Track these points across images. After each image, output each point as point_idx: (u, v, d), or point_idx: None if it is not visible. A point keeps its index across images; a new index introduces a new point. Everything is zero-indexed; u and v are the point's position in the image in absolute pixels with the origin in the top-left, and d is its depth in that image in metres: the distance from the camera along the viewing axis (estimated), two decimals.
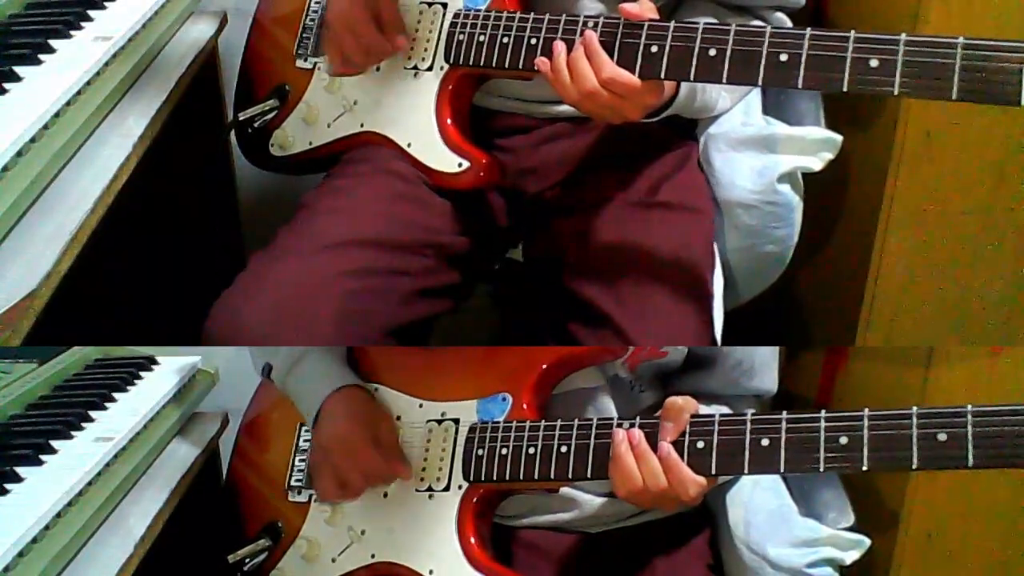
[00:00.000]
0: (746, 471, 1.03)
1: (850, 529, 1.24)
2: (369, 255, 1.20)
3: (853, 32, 1.01)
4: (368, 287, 1.19)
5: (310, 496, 1.27)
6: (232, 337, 1.16)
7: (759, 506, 1.23)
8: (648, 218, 1.25)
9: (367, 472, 1.18)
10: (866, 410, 0.98)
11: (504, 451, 1.14)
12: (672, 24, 1.09)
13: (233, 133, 1.44)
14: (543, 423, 1.12)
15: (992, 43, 0.95)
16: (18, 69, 1.21)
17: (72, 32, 1.30)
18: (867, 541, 1.24)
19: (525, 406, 1.16)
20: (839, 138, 1.27)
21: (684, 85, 1.21)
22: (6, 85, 1.18)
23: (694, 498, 1.05)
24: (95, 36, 1.30)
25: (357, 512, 1.22)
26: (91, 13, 1.34)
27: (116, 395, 1.40)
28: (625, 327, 1.19)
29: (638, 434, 1.05)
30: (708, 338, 1.22)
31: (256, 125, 1.39)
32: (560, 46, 1.13)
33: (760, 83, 1.05)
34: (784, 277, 1.36)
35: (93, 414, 1.33)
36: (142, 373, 1.50)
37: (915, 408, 0.96)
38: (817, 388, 1.53)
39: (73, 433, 1.27)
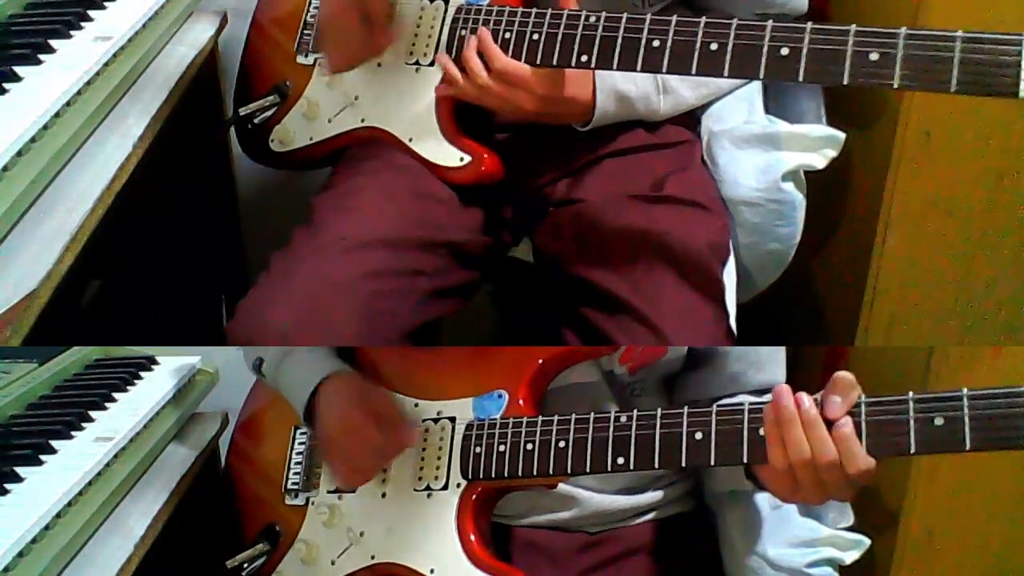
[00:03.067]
0: (744, 460, 1.03)
1: (850, 529, 1.24)
2: (387, 256, 1.21)
3: (854, 26, 1.01)
4: (388, 288, 1.20)
5: (307, 499, 1.27)
6: (257, 338, 1.16)
7: (759, 506, 1.23)
8: (654, 211, 1.25)
9: (378, 450, 1.18)
10: (863, 396, 0.98)
11: (502, 448, 1.13)
12: (674, 19, 1.09)
13: (233, 129, 1.44)
14: (540, 419, 1.12)
15: (991, 36, 0.96)
16: (18, 69, 1.21)
17: (72, 32, 1.30)
18: (867, 541, 1.24)
19: (521, 402, 1.15)
20: (842, 136, 1.27)
21: (607, 97, 1.23)
22: (6, 85, 1.18)
23: (861, 473, 0.97)
24: (95, 36, 1.30)
25: (356, 513, 1.22)
26: (91, 13, 1.34)
27: (116, 395, 1.40)
28: (642, 309, 1.18)
29: (807, 399, 0.99)
30: (724, 327, 1.22)
31: (256, 121, 1.40)
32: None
33: (761, 76, 1.05)
34: (787, 277, 1.36)
35: (93, 414, 1.33)
36: (142, 373, 1.50)
37: (911, 393, 0.96)
38: (818, 389, 1.53)
39: (73, 433, 1.27)
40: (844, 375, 0.99)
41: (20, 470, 1.15)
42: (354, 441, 1.18)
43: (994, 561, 1.42)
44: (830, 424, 0.98)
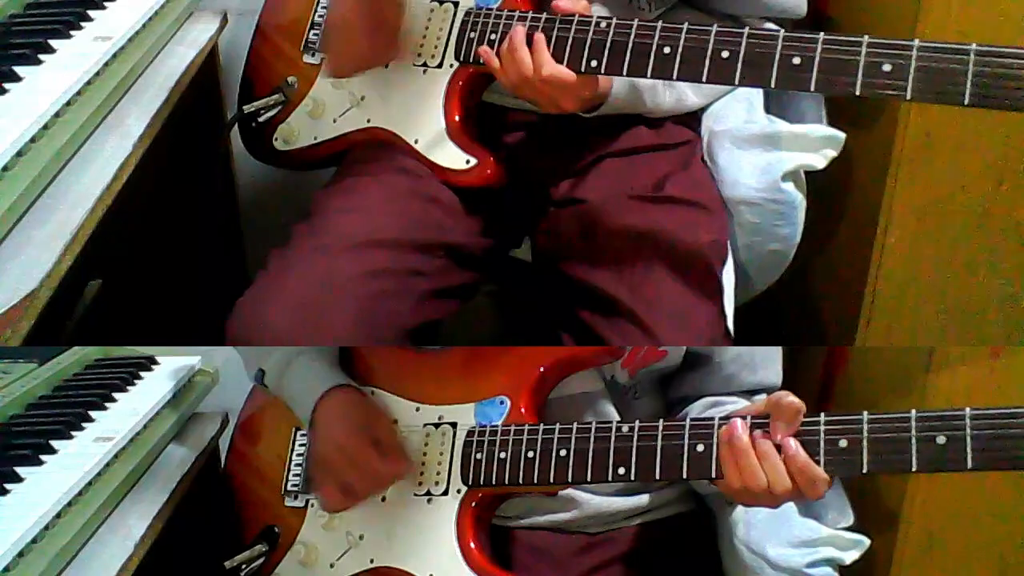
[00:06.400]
0: None
1: (850, 529, 1.24)
2: (387, 256, 1.21)
3: (866, 37, 1.00)
4: (387, 288, 1.19)
5: (307, 501, 1.27)
6: (255, 337, 1.16)
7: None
8: (654, 211, 1.25)
9: (370, 477, 1.17)
10: (865, 413, 0.98)
11: (503, 455, 1.13)
12: (685, 25, 1.09)
13: (237, 127, 1.44)
14: (542, 427, 1.12)
15: (1004, 50, 0.95)
16: (18, 69, 1.21)
17: (72, 32, 1.30)
18: (867, 541, 1.24)
19: (523, 409, 1.15)
20: (842, 136, 1.27)
21: (621, 84, 1.22)
22: (6, 85, 1.18)
23: (821, 495, 1.00)
24: (95, 36, 1.30)
25: (355, 517, 1.21)
26: (91, 13, 1.34)
27: (116, 395, 1.40)
28: (639, 312, 1.19)
29: (759, 432, 1.01)
30: (722, 328, 1.22)
31: (261, 120, 1.40)
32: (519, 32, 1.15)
33: (772, 85, 1.05)
34: (786, 277, 1.36)
35: (93, 414, 1.33)
36: (142, 373, 1.49)
37: (914, 411, 0.96)
38: (817, 388, 1.53)
39: (73, 433, 1.27)
40: (790, 400, 1.00)
41: (20, 470, 1.15)
42: (348, 465, 1.17)
43: (994, 561, 1.42)
44: (779, 448, 0.99)
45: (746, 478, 1.01)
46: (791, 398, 1.01)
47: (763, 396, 1.23)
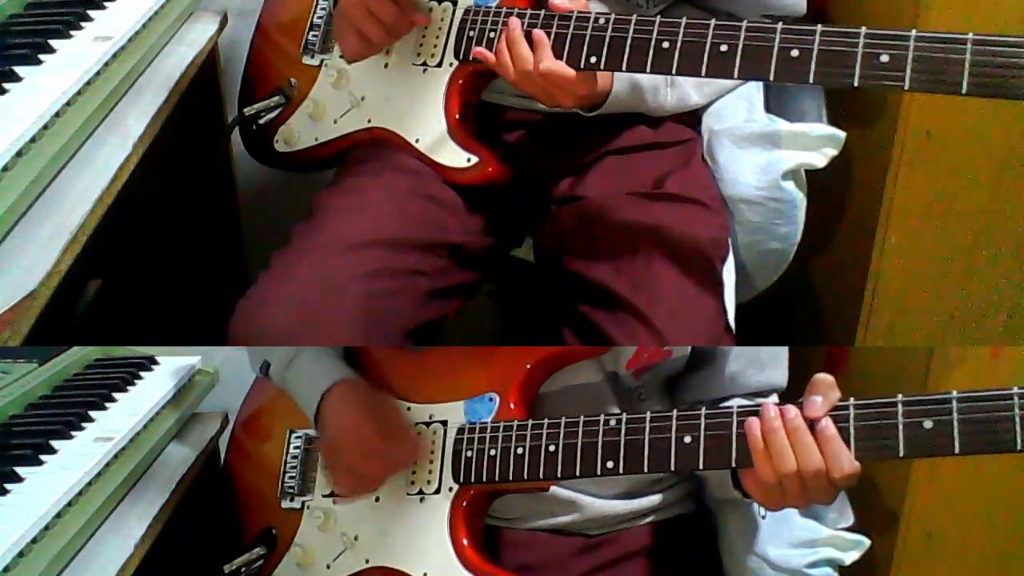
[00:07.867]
0: (733, 464, 1.02)
1: (850, 529, 1.24)
2: (388, 256, 1.21)
3: (864, 28, 1.01)
4: (387, 288, 1.20)
5: (303, 503, 1.27)
6: (256, 337, 1.16)
7: (759, 507, 1.23)
8: (654, 207, 1.25)
9: (384, 463, 1.18)
10: (852, 399, 0.98)
11: (492, 452, 1.13)
12: (684, 20, 1.09)
13: (238, 129, 1.44)
14: (530, 423, 1.12)
15: (1002, 39, 0.96)
16: (18, 69, 1.21)
17: (72, 32, 1.30)
18: (867, 541, 1.24)
19: (512, 406, 1.15)
20: (842, 134, 1.27)
21: (621, 84, 1.22)
22: (6, 85, 1.18)
23: (846, 477, 0.96)
24: (95, 36, 1.30)
25: (350, 518, 1.22)
26: (91, 13, 1.34)
27: (116, 395, 1.40)
28: (640, 306, 1.18)
29: (793, 409, 0.98)
30: (722, 324, 1.22)
31: (261, 122, 1.40)
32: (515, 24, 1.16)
33: (771, 78, 1.05)
34: (787, 277, 1.36)
35: (93, 414, 1.33)
36: (142, 373, 1.50)
37: (900, 395, 0.95)
38: None
39: (73, 433, 1.27)
40: (822, 376, 0.99)
41: (20, 470, 1.15)
42: (361, 453, 1.18)
43: (994, 561, 1.42)
44: (813, 425, 0.98)
45: (776, 462, 0.98)
46: (823, 374, 0.99)
47: (774, 397, 1.24)
